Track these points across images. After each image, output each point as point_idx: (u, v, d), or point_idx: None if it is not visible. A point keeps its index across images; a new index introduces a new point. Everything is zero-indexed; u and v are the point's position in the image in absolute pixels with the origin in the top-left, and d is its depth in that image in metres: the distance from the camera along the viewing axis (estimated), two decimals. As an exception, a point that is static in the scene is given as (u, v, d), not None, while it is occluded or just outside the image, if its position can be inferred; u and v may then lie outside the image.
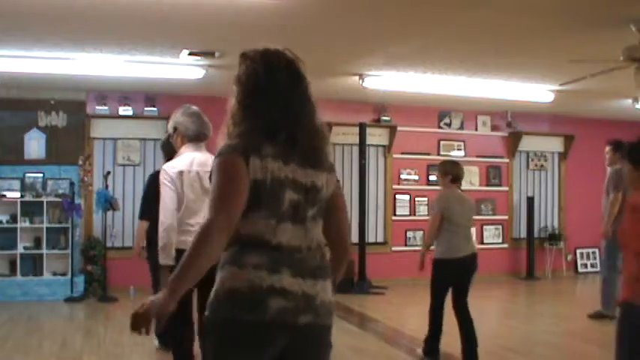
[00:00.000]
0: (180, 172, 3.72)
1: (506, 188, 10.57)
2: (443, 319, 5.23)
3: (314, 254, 2.03)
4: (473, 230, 9.80)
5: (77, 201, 8.30)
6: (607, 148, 7.21)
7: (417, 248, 8.05)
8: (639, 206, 3.23)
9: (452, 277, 5.13)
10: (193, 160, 3.77)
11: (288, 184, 1.98)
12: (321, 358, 2.07)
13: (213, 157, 3.72)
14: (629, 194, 3.56)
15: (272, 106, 2.01)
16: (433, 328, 5.25)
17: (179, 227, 3.68)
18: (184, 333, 3.87)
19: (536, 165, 10.81)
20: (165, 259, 3.61)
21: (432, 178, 9.59)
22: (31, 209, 8.14)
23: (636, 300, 3.14)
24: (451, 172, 5.27)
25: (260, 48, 2.09)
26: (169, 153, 4.26)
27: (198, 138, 3.87)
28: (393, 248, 9.76)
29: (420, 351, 5.35)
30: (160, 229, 3.66)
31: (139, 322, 1.88)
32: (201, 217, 3.51)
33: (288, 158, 1.99)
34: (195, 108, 3.98)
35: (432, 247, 5.22)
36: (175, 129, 3.91)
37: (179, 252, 3.37)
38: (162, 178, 3.76)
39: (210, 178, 2.03)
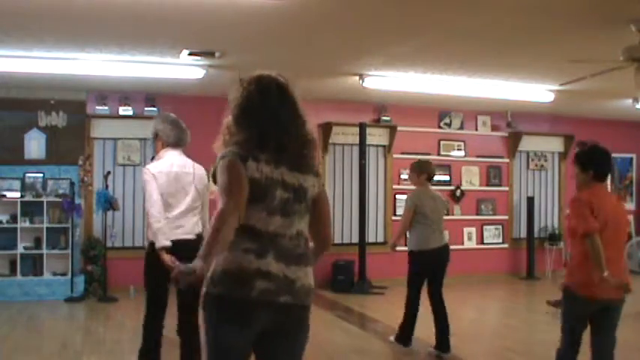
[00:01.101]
0: (161, 172, 4.06)
1: (506, 188, 10.58)
2: (418, 310, 5.57)
3: (297, 242, 2.38)
4: (473, 230, 10.09)
5: (77, 201, 8.31)
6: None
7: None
8: (583, 200, 3.72)
9: (426, 267, 5.54)
10: (173, 163, 4.13)
11: (278, 184, 2.35)
12: (298, 336, 2.39)
13: (190, 160, 4.34)
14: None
15: (264, 121, 2.36)
16: (408, 317, 5.57)
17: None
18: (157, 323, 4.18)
19: (536, 165, 10.82)
20: (162, 241, 3.95)
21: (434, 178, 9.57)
22: (31, 209, 8.14)
23: (572, 286, 3.85)
24: (426, 170, 5.72)
25: (254, 74, 2.45)
26: None
27: (177, 144, 4.22)
28: (393, 248, 9.75)
29: (392, 338, 5.67)
30: (152, 220, 4.00)
31: (185, 280, 2.13)
32: (177, 210, 4.05)
33: (277, 163, 2.36)
34: (173, 115, 4.32)
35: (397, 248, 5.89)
36: (156, 135, 4.24)
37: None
38: (144, 176, 4.09)
39: (214, 177, 2.36)
